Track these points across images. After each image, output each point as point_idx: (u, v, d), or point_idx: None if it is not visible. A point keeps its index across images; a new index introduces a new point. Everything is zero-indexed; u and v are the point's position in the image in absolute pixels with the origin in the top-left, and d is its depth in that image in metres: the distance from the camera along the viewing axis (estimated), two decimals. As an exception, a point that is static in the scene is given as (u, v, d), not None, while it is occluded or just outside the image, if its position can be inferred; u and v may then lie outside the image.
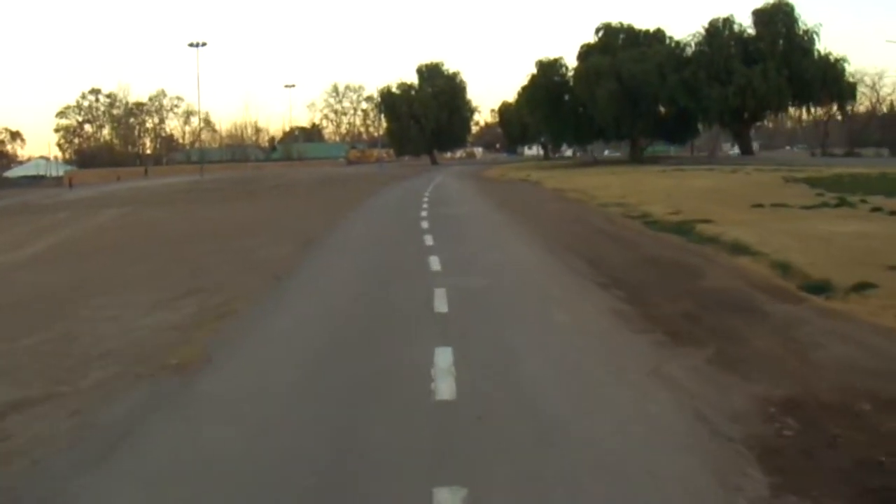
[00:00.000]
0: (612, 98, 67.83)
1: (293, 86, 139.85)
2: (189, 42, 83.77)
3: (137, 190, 61.50)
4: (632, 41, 74.20)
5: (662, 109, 72.74)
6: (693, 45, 64.86)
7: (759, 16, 61.79)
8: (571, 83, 75.67)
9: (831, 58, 61.01)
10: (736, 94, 59.14)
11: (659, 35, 74.55)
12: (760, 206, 20.90)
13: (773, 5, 61.55)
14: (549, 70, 77.33)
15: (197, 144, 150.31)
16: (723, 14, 64.42)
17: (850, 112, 72.88)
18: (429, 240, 16.50)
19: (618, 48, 72.69)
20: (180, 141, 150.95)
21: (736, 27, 62.88)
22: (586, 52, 75.42)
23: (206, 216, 29.14)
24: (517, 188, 35.92)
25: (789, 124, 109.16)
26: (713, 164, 52.58)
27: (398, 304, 10.00)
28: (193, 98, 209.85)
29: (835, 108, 68.38)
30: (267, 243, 18.40)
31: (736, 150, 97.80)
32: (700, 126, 72.05)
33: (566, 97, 77.08)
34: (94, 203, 45.04)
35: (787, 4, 61.37)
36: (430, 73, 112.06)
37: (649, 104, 69.25)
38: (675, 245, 15.14)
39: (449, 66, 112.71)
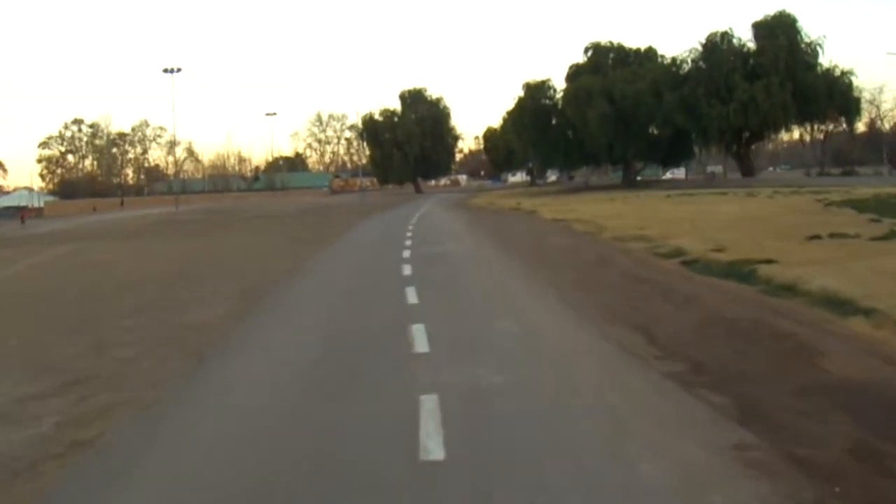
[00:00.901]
0: (604, 120, 64.39)
1: (274, 114, 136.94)
2: (164, 68, 79.96)
3: (106, 223, 57.85)
4: (622, 60, 71.01)
5: (656, 131, 69.45)
6: (689, 61, 61.51)
7: (760, 29, 58.46)
8: (560, 105, 72.22)
9: (837, 71, 57.70)
10: (738, 111, 55.64)
11: (650, 53, 71.41)
12: (817, 237, 17.04)
13: (775, 17, 58.26)
14: (536, 92, 73.90)
15: (181, 175, 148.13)
16: (719, 29, 60.75)
17: (851, 128, 69.36)
18: (412, 295, 12.51)
19: (608, 68, 69.43)
20: (165, 171, 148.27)
21: (735, 41, 59.48)
22: (575, 73, 72.08)
23: (160, 254, 25.19)
24: (511, 219, 32.00)
25: (770, 146, 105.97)
26: (719, 188, 48.93)
27: (360, 444, 5.82)
28: (175, 128, 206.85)
29: (843, 124, 64.74)
30: (210, 296, 14.45)
31: (719, 170, 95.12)
32: (696, 148, 68.61)
33: (555, 120, 73.64)
34: (49, 238, 40.97)
35: (789, 16, 58.11)
36: (413, 100, 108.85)
37: (643, 125, 65.82)
38: (745, 298, 11.20)
39: (432, 92, 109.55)
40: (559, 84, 74.09)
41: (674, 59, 63.60)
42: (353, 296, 13.43)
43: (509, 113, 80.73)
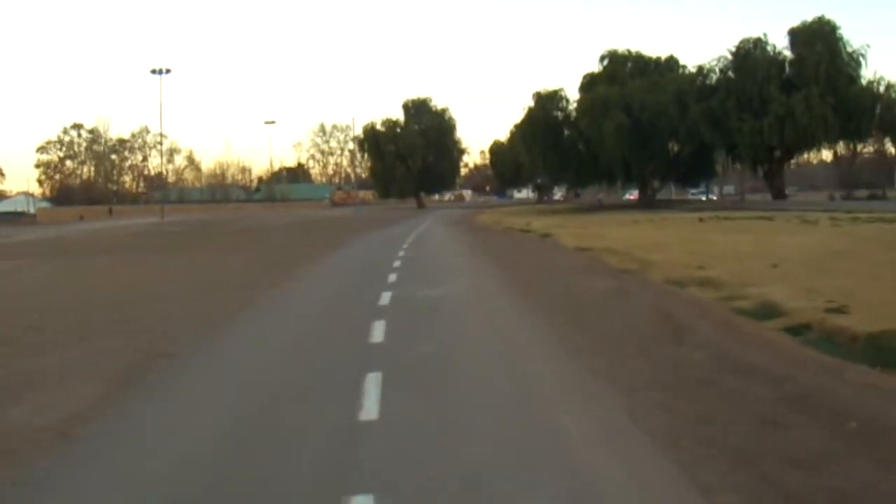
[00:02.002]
0: (621, 132, 59.39)
1: (273, 122, 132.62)
2: (152, 69, 75.18)
3: (80, 234, 53.05)
4: (641, 70, 66.11)
5: (676, 147, 64.41)
6: (717, 70, 56.45)
7: (797, 36, 53.41)
8: (574, 117, 67.31)
9: (881, 84, 52.57)
10: (773, 126, 50.46)
11: (671, 63, 66.51)
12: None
13: (814, 23, 53.20)
14: (547, 103, 68.96)
15: (180, 183, 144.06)
16: (751, 35, 55.58)
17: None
18: (371, 399, 7.18)
19: (626, 77, 64.45)
20: (167, 179, 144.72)
21: (769, 49, 54.37)
22: (590, 83, 67.16)
23: (99, 279, 20.14)
24: (523, 245, 26.72)
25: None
26: (751, 210, 43.67)
27: None
28: (177, 135, 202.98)
29: (886, 143, 59.53)
30: (93, 361, 9.46)
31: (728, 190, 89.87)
32: (719, 166, 63.46)
33: (567, 133, 68.67)
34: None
35: (829, 23, 53.03)
36: (417, 110, 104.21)
37: (663, 140, 60.81)
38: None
39: (437, 103, 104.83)
40: (572, 94, 69.29)
41: (700, 68, 58.60)
42: (287, 377, 8.26)
43: (518, 125, 75.84)
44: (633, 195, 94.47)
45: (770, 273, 14.92)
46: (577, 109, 65.29)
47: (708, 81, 56.98)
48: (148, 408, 7.43)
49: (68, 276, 21.43)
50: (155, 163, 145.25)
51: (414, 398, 7.27)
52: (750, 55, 54.21)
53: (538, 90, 69.71)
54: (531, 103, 69.52)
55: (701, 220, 34.90)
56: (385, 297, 13.71)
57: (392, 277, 16.85)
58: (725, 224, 30.64)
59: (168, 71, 75.62)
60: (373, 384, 7.69)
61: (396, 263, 20.09)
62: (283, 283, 17.12)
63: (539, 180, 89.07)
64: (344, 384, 7.81)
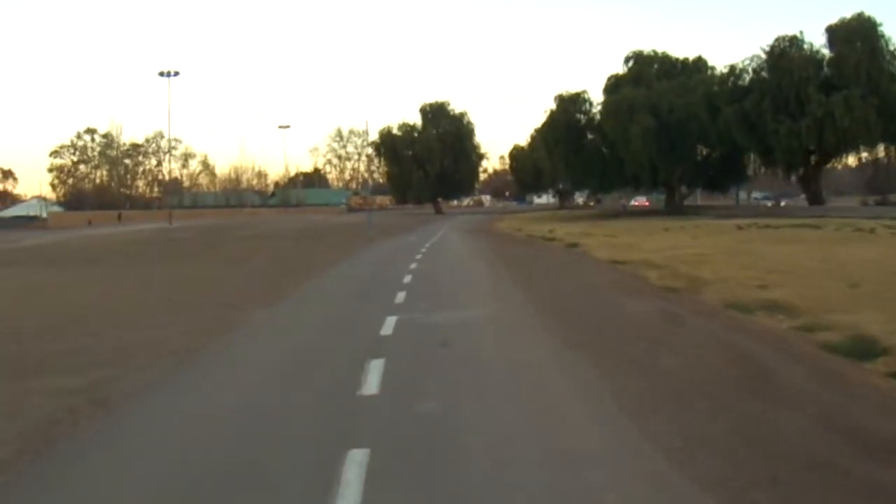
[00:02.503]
0: (647, 136, 56.84)
1: (287, 126, 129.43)
2: (160, 71, 73.34)
3: (84, 239, 51.19)
4: (668, 71, 63.52)
5: (704, 150, 61.80)
6: (751, 70, 53.73)
7: (836, 33, 50.61)
8: (598, 120, 64.84)
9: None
10: (811, 128, 47.66)
11: (700, 64, 63.88)
12: None
13: (853, 20, 50.39)
14: (570, 105, 66.56)
15: (194, 188, 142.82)
16: (786, 33, 52.71)
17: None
18: (351, 491, 4.99)
19: (653, 79, 61.87)
20: (184, 184, 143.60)
21: (805, 47, 51.59)
22: (615, 85, 64.66)
23: (71, 294, 17.88)
24: (550, 256, 24.24)
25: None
26: (793, 217, 40.95)
27: None
28: (192, 140, 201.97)
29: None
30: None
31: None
32: (751, 170, 60.60)
33: (590, 136, 66.22)
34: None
35: (869, 20, 50.19)
36: (435, 114, 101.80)
37: (692, 144, 58.19)
38: None
39: (455, 107, 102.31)
40: (595, 97, 66.86)
41: (732, 69, 55.85)
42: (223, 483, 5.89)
43: (539, 129, 73.43)
44: (638, 201, 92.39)
45: (850, 295, 12.43)
46: (601, 112, 62.85)
47: (740, 82, 54.30)
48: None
49: (40, 290, 19.19)
50: (170, 167, 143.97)
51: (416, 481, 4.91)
52: (786, 54, 51.43)
53: (560, 93, 67.48)
54: (553, 106, 67.26)
55: (740, 227, 32.40)
56: (389, 324, 11.32)
57: (400, 297, 14.46)
58: (769, 233, 28.06)
59: (177, 73, 73.79)
60: (354, 472, 5.32)
61: (407, 279, 17.69)
62: (274, 302, 14.77)
63: (561, 186, 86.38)
64: (314, 472, 5.43)
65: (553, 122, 65.86)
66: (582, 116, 66.61)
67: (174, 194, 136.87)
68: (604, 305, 12.49)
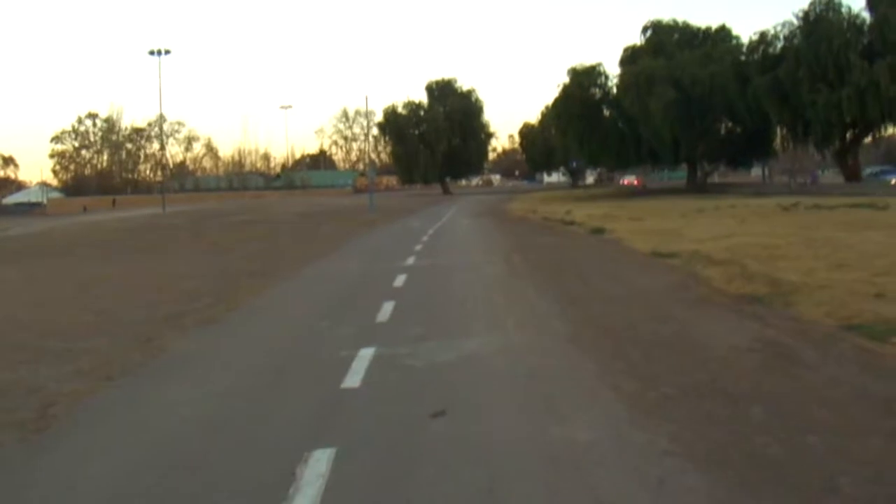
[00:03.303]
0: (669, 110, 52.82)
1: (289, 106, 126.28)
2: (150, 50, 69.42)
3: (71, 227, 48.25)
4: (689, 41, 59.37)
5: (729, 124, 57.77)
6: (782, 37, 49.51)
7: (876, -5, 46.29)
8: (614, 95, 60.85)
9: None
10: (852, 98, 43.47)
11: (723, 33, 59.70)
12: None
13: (896, -20, 46.02)
14: (584, 79, 62.53)
15: (198, 172, 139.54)
16: None
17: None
18: None
19: (673, 49, 57.75)
20: (190, 167, 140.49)
21: (843, 11, 47.28)
22: (632, 56, 60.62)
23: (10, 294, 14.46)
24: (575, 247, 20.28)
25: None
26: (837, 195, 37.00)
27: None
28: (196, 122, 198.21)
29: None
30: None
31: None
32: (782, 146, 56.45)
33: (606, 112, 62.22)
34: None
35: (914, -21, 45.90)
36: (442, 92, 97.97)
37: (716, 118, 54.19)
38: None
39: (462, 84, 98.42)
40: (611, 70, 62.83)
41: (762, 36, 51.58)
42: None
43: (552, 105, 69.34)
44: (627, 179, 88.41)
45: None
46: (618, 85, 58.91)
47: (771, 50, 50.12)
48: None
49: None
50: (174, 151, 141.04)
51: None
52: (822, 19, 47.10)
53: (574, 66, 63.42)
54: (566, 80, 63.19)
55: (785, 208, 28.53)
56: (359, 366, 7.61)
57: (386, 311, 10.72)
58: (826, 215, 24.16)
59: (168, 52, 69.83)
60: None
61: (399, 281, 13.93)
62: (213, 322, 11.04)
63: (575, 164, 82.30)
64: None
65: (567, 96, 61.84)
66: (597, 90, 62.61)
67: (177, 178, 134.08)
68: (671, 332, 8.67)
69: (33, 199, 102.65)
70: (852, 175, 50.51)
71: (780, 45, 49.81)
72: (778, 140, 55.82)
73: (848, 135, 50.19)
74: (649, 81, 53.82)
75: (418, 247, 21.36)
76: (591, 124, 61.06)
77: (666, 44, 58.71)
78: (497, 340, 8.61)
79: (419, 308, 11.08)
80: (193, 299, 13.10)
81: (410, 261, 17.65)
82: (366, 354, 8.04)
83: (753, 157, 62.73)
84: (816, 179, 53.05)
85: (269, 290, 14.08)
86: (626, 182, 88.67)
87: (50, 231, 44.29)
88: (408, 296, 12.27)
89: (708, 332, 8.63)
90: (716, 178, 72.55)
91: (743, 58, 51.73)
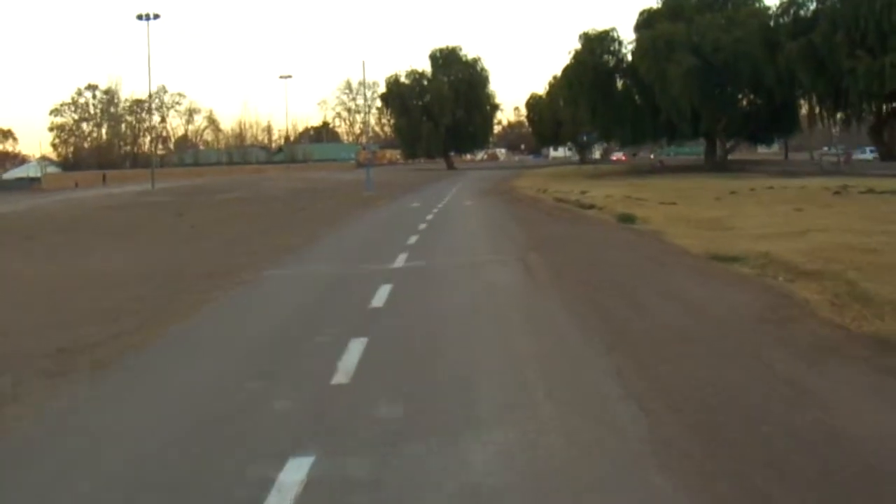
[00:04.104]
0: (689, 79, 48.93)
1: (289, 76, 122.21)
2: (137, 14, 65.25)
3: (52, 205, 45.74)
4: (709, 4, 55.26)
5: (749, 97, 53.94)
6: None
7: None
8: (628, 63, 56.97)
9: None
10: (896, 65, 39.49)
11: (748, -5, 55.55)
12: None
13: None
14: (597, 45, 58.51)
15: (200, 145, 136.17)
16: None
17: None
18: None
19: (692, 12, 53.70)
20: (192, 140, 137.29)
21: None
22: (647, 20, 56.61)
23: None
24: (603, 240, 16.48)
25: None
26: (882, 175, 33.37)
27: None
28: (196, 95, 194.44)
29: None
30: None
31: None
32: (810, 118, 52.53)
33: (620, 81, 58.34)
34: None
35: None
36: (446, 60, 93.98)
37: (741, 87, 50.35)
38: None
39: (467, 52, 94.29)
40: (625, 36, 58.88)
41: (793, -3, 47.49)
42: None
43: (561, 74, 65.44)
44: (616, 156, 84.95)
45: None
46: (634, 51, 54.92)
47: (802, 13, 46.16)
48: None
49: None
50: (175, 123, 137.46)
51: None
52: (861, -23, 43.08)
53: (585, 31, 59.32)
54: (577, 46, 59.16)
55: (836, 192, 24.90)
56: (286, 483, 4.20)
57: (349, 360, 7.16)
58: (892, 202, 20.57)
59: (157, 16, 65.57)
60: None
61: (380, 297, 10.29)
62: (124, 358, 7.64)
63: (585, 137, 78.29)
64: None
65: (578, 63, 57.84)
66: (610, 58, 58.63)
67: (178, 152, 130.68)
68: (814, 434, 5.11)
69: (32, 175, 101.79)
70: (888, 153, 46.47)
71: (812, 7, 45.83)
72: (804, 113, 51.91)
73: (884, 108, 46.27)
74: (668, 47, 49.93)
75: (413, 239, 17.76)
76: (604, 94, 57.27)
77: (685, 7, 54.58)
78: (520, 438, 5.06)
79: (401, 354, 7.55)
80: (101, 320, 9.67)
81: (400, 261, 14.07)
82: (295, 480, 4.52)
83: (775, 133, 58.83)
84: (850, 158, 49.20)
85: (208, 307, 10.58)
86: (615, 158, 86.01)
87: (28, 211, 41.20)
88: (388, 326, 8.73)
89: (863, 436, 5.05)
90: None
91: (771, 22, 47.70)
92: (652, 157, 79.13)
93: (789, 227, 15.37)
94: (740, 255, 12.08)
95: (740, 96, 52.95)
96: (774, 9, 49.50)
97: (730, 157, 57.22)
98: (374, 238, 19.51)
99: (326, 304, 10.61)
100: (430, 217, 23.87)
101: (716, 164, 53.89)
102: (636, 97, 56.58)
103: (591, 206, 25.50)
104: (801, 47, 42.62)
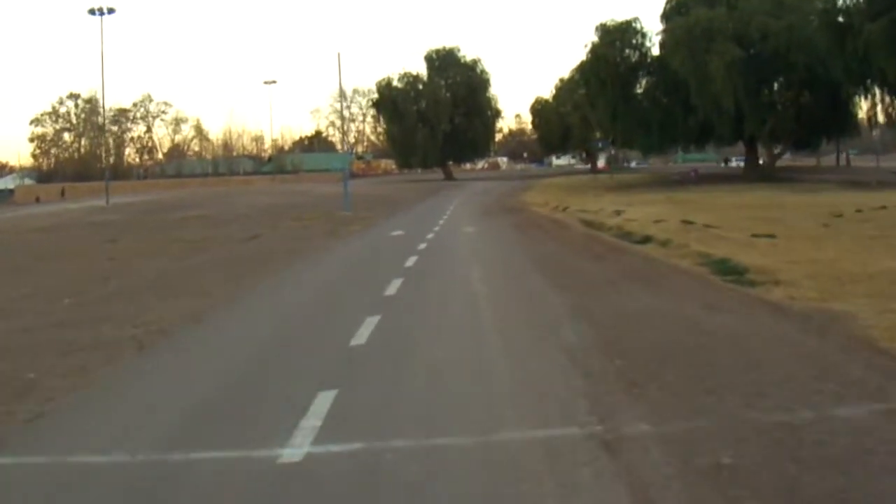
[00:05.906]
0: (733, 73, 40.97)
1: (273, 82, 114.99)
2: (90, 9, 57.19)
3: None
4: (750, -13, 47.26)
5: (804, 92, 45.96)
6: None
7: None
8: (654, 56, 49.06)
9: None
10: None
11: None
12: None
13: None
14: (617, 38, 50.55)
15: (187, 156, 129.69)
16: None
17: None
18: None
19: (731, -2, 45.79)
20: (183, 150, 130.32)
21: None
22: (676, 7, 48.67)
23: None
24: (715, 328, 8.45)
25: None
26: None
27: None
28: (183, 105, 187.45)
29: None
30: None
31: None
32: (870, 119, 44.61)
33: (644, 80, 50.35)
34: None
35: None
36: (443, 62, 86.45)
37: (794, 82, 42.48)
38: None
39: (466, 53, 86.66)
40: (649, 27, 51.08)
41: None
42: None
43: (576, 70, 58.02)
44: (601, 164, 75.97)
45: None
46: (664, 42, 46.99)
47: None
48: None
49: None
50: (161, 133, 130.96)
51: None
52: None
53: (603, 22, 51.38)
54: (594, 39, 51.19)
55: None
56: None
57: None
58: None
59: (111, 11, 57.46)
60: None
61: None
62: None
63: (600, 144, 70.03)
64: None
65: (596, 59, 49.89)
66: (633, 52, 50.69)
67: (169, 163, 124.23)
68: None
69: (10, 186, 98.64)
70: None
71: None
72: (865, 111, 43.97)
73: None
74: (706, 36, 42.05)
75: (364, 328, 9.36)
76: (626, 94, 49.37)
77: (720, -10, 46.78)
78: None
79: None
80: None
81: (344, 370, 6.01)
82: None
83: (825, 136, 50.91)
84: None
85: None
86: (600, 167, 76.56)
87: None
88: None
89: None
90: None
91: (840, 2, 39.85)
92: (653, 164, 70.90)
93: None
94: None
95: (792, 93, 45.02)
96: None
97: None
98: (320, 303, 11.49)
99: None
100: (409, 263, 15.50)
101: (760, 174, 45.92)
102: (662, 99, 48.72)
103: (646, 240, 17.49)
104: (884, 28, 34.64)
